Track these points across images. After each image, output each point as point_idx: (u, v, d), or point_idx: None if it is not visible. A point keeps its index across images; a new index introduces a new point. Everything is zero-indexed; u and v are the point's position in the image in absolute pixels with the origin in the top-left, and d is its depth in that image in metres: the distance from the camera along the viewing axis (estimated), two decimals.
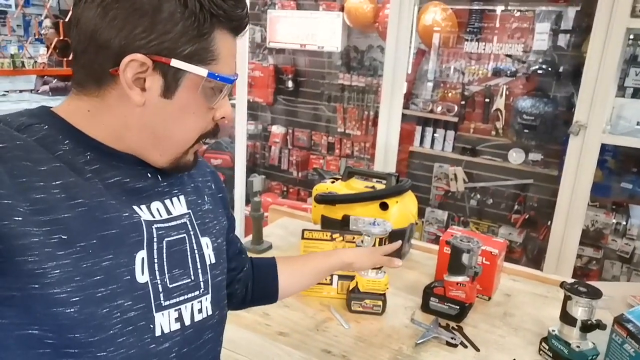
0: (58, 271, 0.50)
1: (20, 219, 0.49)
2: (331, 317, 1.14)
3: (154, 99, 0.57)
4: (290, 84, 3.32)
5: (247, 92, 2.99)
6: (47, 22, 3.43)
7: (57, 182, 0.52)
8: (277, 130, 3.49)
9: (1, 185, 0.48)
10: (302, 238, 1.25)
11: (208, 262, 0.68)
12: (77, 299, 0.51)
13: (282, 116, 3.51)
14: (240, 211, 2.89)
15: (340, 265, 0.96)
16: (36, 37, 3.74)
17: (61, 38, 3.08)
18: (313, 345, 1.03)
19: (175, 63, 0.55)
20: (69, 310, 0.51)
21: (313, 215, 1.52)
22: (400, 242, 1.08)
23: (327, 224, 1.45)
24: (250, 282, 0.89)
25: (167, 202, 0.65)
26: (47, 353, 0.52)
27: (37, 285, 0.49)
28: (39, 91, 3.56)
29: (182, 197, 0.67)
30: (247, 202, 2.81)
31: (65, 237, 0.51)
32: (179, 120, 0.60)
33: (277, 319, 1.11)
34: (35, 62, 3.30)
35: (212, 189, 0.77)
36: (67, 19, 3.14)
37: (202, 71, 0.57)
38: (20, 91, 3.82)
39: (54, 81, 3.65)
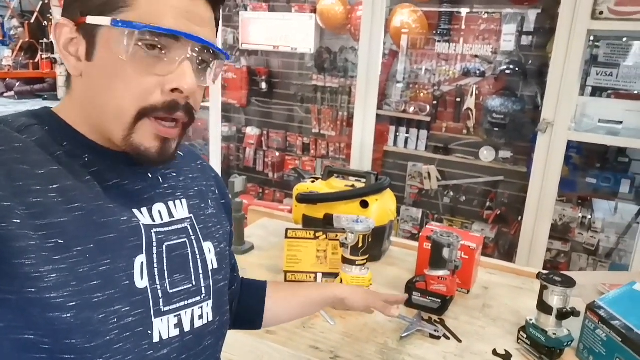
0: (54, 275, 0.50)
1: (18, 221, 0.48)
2: (317, 314, 1.16)
3: (85, 66, 0.56)
4: (264, 85, 3.33)
5: (221, 94, 2.98)
6: (15, 22, 3.32)
7: (54, 186, 0.52)
8: (251, 131, 3.49)
9: (0, 187, 0.48)
10: (286, 237, 1.26)
11: (210, 267, 0.67)
12: (73, 303, 0.51)
13: (256, 118, 3.51)
14: None
15: (332, 299, 0.92)
16: (0, 39, 3.61)
17: (27, 39, 3.00)
18: (301, 342, 1.04)
19: (90, 20, 0.54)
20: (65, 315, 0.50)
21: (294, 215, 1.53)
22: (406, 295, 1.11)
23: (309, 223, 1.46)
24: (235, 301, 0.86)
25: (170, 204, 0.64)
26: (43, 358, 0.51)
27: (33, 289, 0.49)
28: (4, 95, 3.44)
29: (184, 201, 0.66)
30: None
31: (62, 241, 0.51)
32: (105, 86, 0.55)
33: None
34: None
35: (215, 194, 0.76)
36: (32, 20, 3.06)
37: (106, 20, 0.53)
38: None
39: (17, 84, 3.53)
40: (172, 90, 0.55)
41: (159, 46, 0.54)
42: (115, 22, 0.53)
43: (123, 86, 0.54)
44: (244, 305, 0.87)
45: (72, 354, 0.51)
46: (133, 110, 0.55)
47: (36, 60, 3.08)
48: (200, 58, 0.58)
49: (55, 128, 0.57)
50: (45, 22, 3.04)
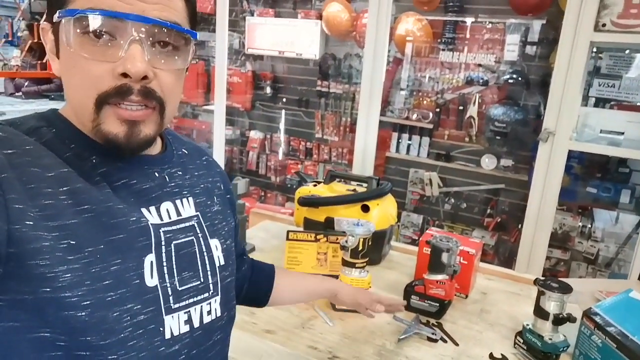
0: (69, 275, 0.51)
1: (31, 223, 0.49)
2: (316, 315, 1.17)
3: (59, 65, 0.58)
4: (268, 90, 3.35)
5: (225, 98, 3.01)
6: (23, 25, 3.37)
7: (64, 189, 0.53)
8: (255, 135, 3.51)
9: (13, 190, 0.49)
10: (287, 239, 1.28)
11: (217, 264, 0.68)
12: (88, 302, 0.52)
13: (260, 121, 3.54)
14: None
15: (327, 291, 1.01)
16: (9, 39, 3.65)
17: (35, 40, 3.03)
18: (299, 342, 1.06)
19: (54, 18, 0.55)
20: (80, 314, 0.51)
21: (296, 217, 1.55)
22: (404, 302, 1.14)
23: (310, 226, 1.48)
24: (246, 283, 0.91)
25: (178, 202, 0.65)
26: (60, 356, 0.52)
27: (48, 289, 0.49)
28: (14, 95, 3.48)
29: (190, 199, 0.67)
30: None
31: (74, 242, 0.52)
32: (68, 81, 0.57)
33: (264, 318, 1.13)
34: (5, 64, 3.24)
35: (221, 190, 0.77)
36: (42, 21, 3.10)
37: (56, 14, 0.54)
38: None
39: (25, 84, 3.57)
40: (124, 76, 0.54)
41: (105, 32, 0.53)
42: (59, 15, 0.54)
43: (79, 78, 0.55)
44: (254, 285, 0.92)
45: (88, 351, 0.52)
46: (91, 99, 0.55)
47: (44, 61, 3.12)
48: (157, 39, 0.56)
49: (62, 130, 0.58)
50: None
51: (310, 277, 1.04)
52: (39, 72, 3.12)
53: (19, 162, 0.51)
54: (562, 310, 1.03)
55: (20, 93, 3.38)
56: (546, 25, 2.48)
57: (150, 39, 0.55)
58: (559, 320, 1.02)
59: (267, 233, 1.69)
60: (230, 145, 3.59)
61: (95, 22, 0.53)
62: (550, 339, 1.02)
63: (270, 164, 3.50)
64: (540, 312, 1.05)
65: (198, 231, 0.66)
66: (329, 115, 3.18)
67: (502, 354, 1.06)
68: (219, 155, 3.06)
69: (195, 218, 0.67)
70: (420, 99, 2.87)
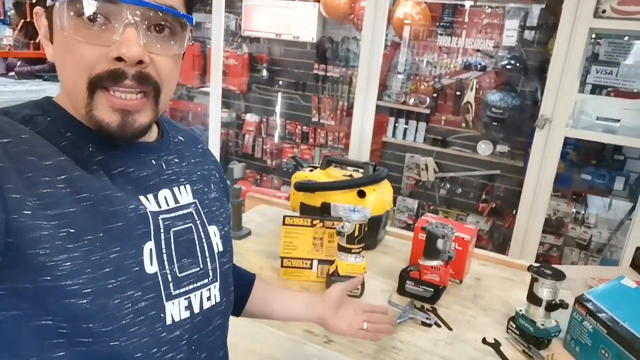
0: (69, 263, 0.51)
1: (29, 212, 0.49)
2: None
3: (52, 50, 0.57)
4: (265, 72, 3.32)
5: (221, 80, 2.98)
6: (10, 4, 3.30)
7: (62, 177, 0.53)
8: (251, 118, 3.50)
9: (9, 180, 0.48)
10: (283, 224, 1.28)
11: (216, 250, 0.68)
12: (89, 290, 0.52)
13: (256, 104, 3.52)
14: None
15: (313, 300, 0.92)
16: (0, 17, 3.58)
17: (27, 20, 2.98)
18: (296, 326, 1.07)
19: (48, 2, 0.54)
20: (81, 302, 0.51)
21: (292, 202, 1.56)
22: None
23: (306, 211, 1.48)
24: None
25: (175, 189, 0.65)
26: (62, 343, 0.52)
27: (49, 278, 0.50)
28: (7, 75, 3.42)
29: (188, 186, 0.67)
30: None
31: (73, 230, 0.51)
32: (62, 65, 0.56)
33: None
34: None
35: (216, 177, 0.77)
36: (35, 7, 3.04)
37: None
38: None
39: (18, 64, 3.52)
40: (118, 60, 0.53)
41: (100, 15, 0.53)
42: None
43: (73, 61, 0.54)
44: (235, 289, 0.86)
45: (90, 338, 0.53)
46: (84, 82, 0.54)
47: (37, 41, 3.07)
48: (152, 23, 0.56)
49: (57, 118, 0.57)
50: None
51: (293, 299, 0.93)
52: (31, 52, 3.07)
53: (15, 151, 0.50)
54: (555, 297, 1.04)
55: (12, 73, 3.33)
56: (545, 10, 2.47)
57: (146, 22, 0.55)
58: (551, 307, 1.04)
59: (263, 217, 1.70)
60: (226, 128, 3.58)
61: (89, 5, 0.52)
62: (543, 324, 1.04)
63: (266, 147, 3.49)
64: (533, 298, 1.06)
65: (196, 218, 0.66)
66: (326, 99, 3.16)
67: (495, 339, 1.08)
68: (214, 138, 3.05)
69: (193, 205, 0.67)
70: (418, 83, 2.86)
